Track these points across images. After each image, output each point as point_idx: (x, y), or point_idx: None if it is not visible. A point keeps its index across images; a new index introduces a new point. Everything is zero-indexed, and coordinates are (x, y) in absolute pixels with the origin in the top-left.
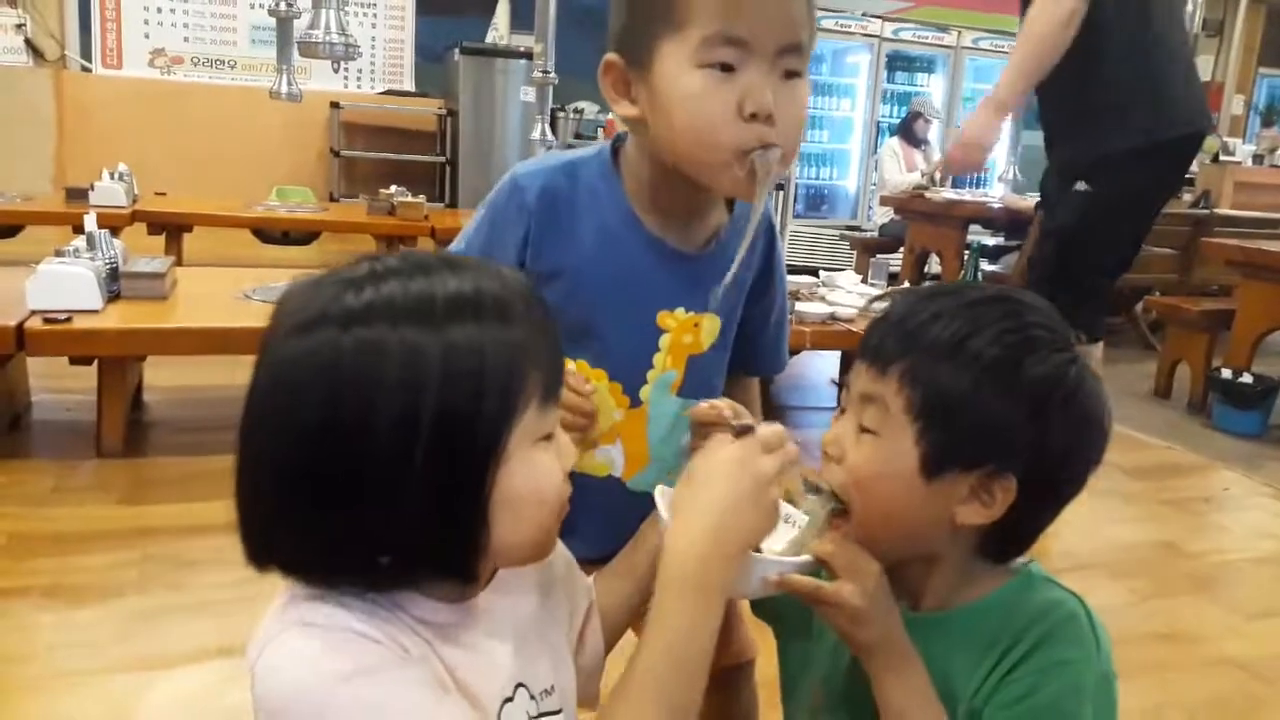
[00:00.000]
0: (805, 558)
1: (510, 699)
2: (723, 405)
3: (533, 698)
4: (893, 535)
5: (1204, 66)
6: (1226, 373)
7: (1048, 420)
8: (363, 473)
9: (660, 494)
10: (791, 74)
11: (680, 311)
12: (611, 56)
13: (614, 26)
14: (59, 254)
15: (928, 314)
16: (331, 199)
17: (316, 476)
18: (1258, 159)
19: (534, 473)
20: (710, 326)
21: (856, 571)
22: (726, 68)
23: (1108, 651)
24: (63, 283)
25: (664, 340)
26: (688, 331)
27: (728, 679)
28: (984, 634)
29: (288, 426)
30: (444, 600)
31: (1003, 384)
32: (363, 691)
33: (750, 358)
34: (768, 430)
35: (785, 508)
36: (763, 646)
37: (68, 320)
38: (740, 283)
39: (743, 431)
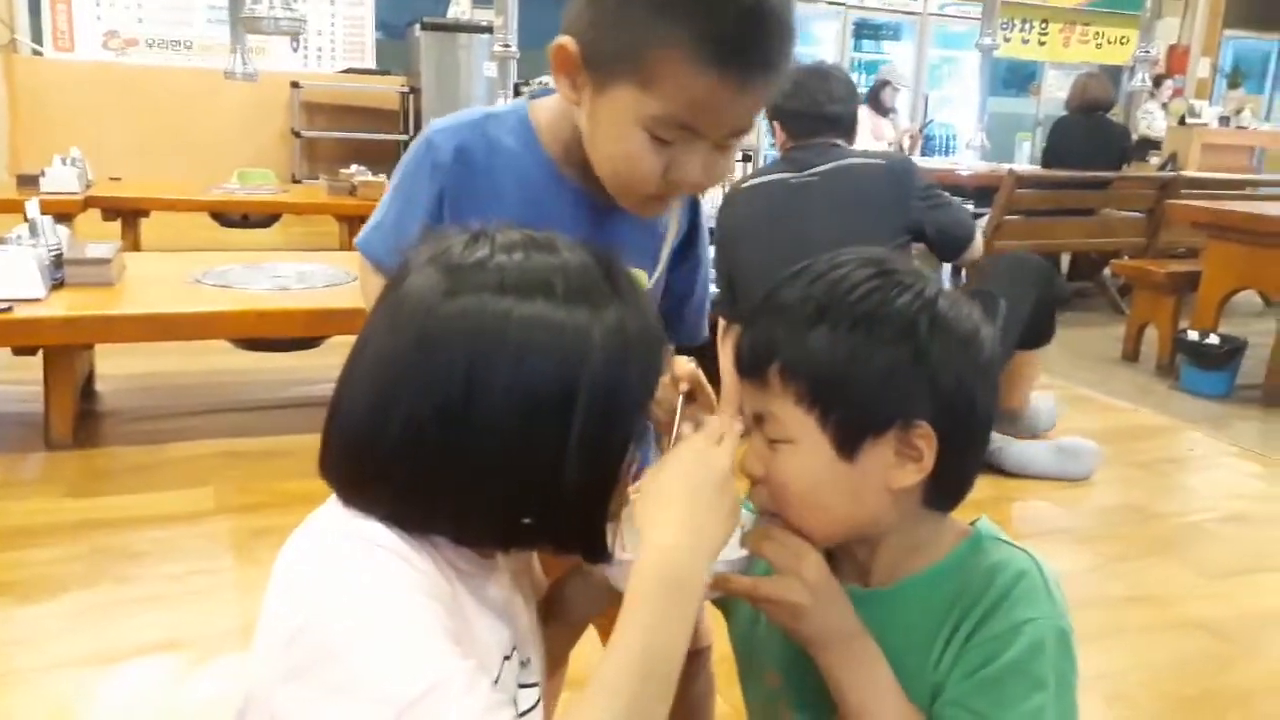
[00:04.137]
0: (742, 553)
1: (508, 657)
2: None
3: (520, 664)
4: (840, 527)
5: (1170, 29)
6: (1193, 334)
7: (928, 350)
8: (526, 438)
9: None
10: (730, 143)
11: None
12: (569, 44)
13: (584, 17)
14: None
15: (777, 305)
16: (294, 180)
17: (486, 433)
18: (1224, 120)
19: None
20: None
21: (795, 563)
22: (668, 141)
23: (1063, 605)
24: (1, 271)
25: None
26: None
27: (684, 665)
28: (938, 603)
29: (454, 387)
30: (471, 550)
31: (873, 333)
32: (401, 619)
33: (670, 327)
34: (713, 422)
35: None
36: (717, 627)
37: (8, 310)
38: (658, 247)
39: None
